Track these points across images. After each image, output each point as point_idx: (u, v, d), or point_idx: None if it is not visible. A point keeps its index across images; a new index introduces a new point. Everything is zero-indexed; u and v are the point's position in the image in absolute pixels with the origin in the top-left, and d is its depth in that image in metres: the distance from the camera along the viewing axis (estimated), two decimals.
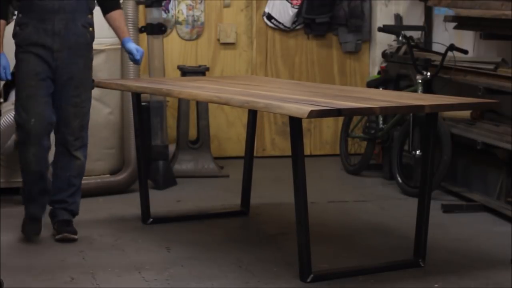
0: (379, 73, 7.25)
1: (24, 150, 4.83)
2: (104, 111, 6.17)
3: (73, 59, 4.82)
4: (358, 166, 7.05)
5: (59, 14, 4.77)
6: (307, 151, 7.52)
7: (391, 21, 7.57)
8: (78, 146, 4.92)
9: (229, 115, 7.68)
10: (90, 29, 4.89)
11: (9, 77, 4.82)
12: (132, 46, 5.02)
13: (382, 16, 7.66)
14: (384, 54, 7.14)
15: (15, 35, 4.87)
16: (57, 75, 4.82)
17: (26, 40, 4.82)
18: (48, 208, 5.06)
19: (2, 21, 4.84)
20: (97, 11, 5.04)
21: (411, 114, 6.22)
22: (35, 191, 4.94)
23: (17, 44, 4.86)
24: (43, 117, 4.78)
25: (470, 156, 6.30)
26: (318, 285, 4.23)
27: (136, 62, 5.07)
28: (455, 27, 6.38)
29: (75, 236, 4.94)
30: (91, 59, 4.96)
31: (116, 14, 5.03)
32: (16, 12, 5.12)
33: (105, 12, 5.03)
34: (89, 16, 4.89)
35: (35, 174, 4.87)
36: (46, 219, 5.06)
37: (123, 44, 5.06)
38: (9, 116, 5.73)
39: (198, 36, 7.60)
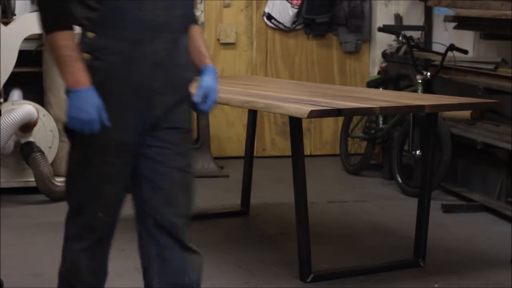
0: (379, 73, 7.25)
1: (74, 252, 3.06)
2: None
3: (179, 104, 2.95)
4: (358, 166, 7.05)
5: (164, 33, 2.82)
6: (307, 151, 7.51)
7: (391, 21, 7.57)
8: (187, 232, 3.16)
9: (229, 115, 7.68)
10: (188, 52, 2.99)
11: (107, 124, 2.75)
12: (205, 83, 2.97)
13: (382, 16, 7.66)
14: (384, 54, 7.14)
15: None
16: (155, 128, 2.91)
17: (107, 78, 2.77)
18: None
19: (70, 32, 2.71)
20: None
21: (411, 114, 6.22)
22: None
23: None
24: (116, 212, 3.01)
25: (470, 156, 6.30)
26: (318, 285, 4.23)
27: (198, 111, 3.07)
28: (455, 27, 6.38)
29: None
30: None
31: (194, 31, 3.00)
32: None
33: None
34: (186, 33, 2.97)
35: None
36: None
37: (200, 74, 3.01)
38: (9, 116, 5.72)
39: None
